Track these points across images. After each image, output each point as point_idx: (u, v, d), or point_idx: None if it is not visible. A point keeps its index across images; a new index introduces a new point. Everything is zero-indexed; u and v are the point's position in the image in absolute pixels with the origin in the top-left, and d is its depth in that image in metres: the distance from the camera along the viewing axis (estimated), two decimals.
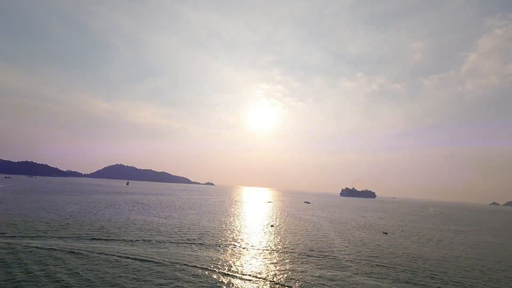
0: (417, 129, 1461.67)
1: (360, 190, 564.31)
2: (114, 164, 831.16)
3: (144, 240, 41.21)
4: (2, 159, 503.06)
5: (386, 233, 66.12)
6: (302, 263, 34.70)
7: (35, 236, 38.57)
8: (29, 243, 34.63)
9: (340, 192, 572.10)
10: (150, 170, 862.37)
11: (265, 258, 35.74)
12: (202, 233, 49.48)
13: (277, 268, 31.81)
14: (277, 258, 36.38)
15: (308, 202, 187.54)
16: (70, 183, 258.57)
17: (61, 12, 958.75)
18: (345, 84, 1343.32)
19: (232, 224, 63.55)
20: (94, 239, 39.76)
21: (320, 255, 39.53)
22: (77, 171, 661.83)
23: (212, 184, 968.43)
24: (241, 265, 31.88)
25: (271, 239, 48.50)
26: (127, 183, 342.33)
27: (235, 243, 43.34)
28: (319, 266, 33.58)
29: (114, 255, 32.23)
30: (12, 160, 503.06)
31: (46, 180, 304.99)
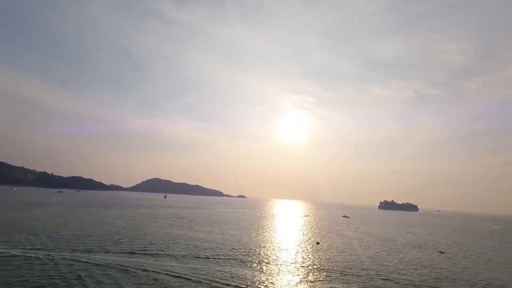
0: (462, 135, 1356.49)
1: (401, 202, 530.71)
2: (152, 178, 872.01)
3: (194, 256, 41.55)
4: (55, 174, 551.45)
5: (443, 253, 60.43)
6: (360, 286, 32.52)
7: (93, 251, 40.68)
8: (87, 257, 36.57)
9: (378, 205, 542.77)
10: (185, 183, 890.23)
11: (318, 279, 34.07)
12: (248, 250, 48.88)
13: None
14: (330, 278, 34.52)
15: (346, 216, 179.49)
16: (113, 197, 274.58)
17: (109, 40, 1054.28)
18: (377, 92, 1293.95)
19: (276, 241, 62.19)
20: (146, 254, 40.94)
21: (377, 276, 36.86)
22: (119, 185, 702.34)
23: (244, 197, 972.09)
24: (296, 286, 30.63)
25: (319, 257, 46.42)
26: (165, 197, 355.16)
27: (285, 262, 42.03)
28: None
29: (168, 273, 32.75)
30: (63, 176, 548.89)
31: (92, 194, 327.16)
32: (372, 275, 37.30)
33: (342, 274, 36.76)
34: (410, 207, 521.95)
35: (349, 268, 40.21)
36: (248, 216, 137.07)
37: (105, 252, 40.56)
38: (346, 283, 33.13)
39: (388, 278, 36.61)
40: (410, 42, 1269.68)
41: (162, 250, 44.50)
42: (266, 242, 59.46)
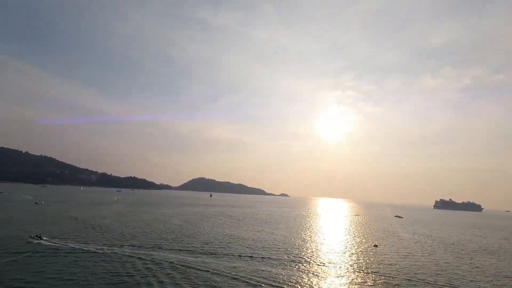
0: None
1: (461, 202, 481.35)
2: (197, 177, 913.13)
3: (249, 256, 41.96)
4: (113, 174, 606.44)
5: None
6: None
7: (156, 249, 43.33)
8: (151, 254, 39.00)
9: (433, 204, 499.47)
10: (228, 182, 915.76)
11: (382, 286, 31.89)
12: (303, 252, 47.97)
13: None
14: (395, 286, 32.07)
15: (399, 217, 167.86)
16: (164, 196, 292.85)
17: (154, 50, 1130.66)
18: (427, 82, 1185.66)
19: (331, 242, 60.21)
20: (205, 254, 42.38)
21: (449, 286, 33.37)
22: (168, 184, 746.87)
23: (286, 195, 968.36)
24: None
25: (381, 262, 43.62)
26: (211, 195, 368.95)
27: (345, 265, 40.33)
28: None
29: (226, 275, 33.41)
30: (120, 176, 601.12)
31: (146, 193, 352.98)
32: (443, 285, 33.88)
33: (410, 282, 33.97)
34: (472, 207, 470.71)
35: (416, 275, 37.05)
36: (295, 215, 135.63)
37: (167, 249, 42.90)
38: None
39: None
40: (466, 26, 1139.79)
41: (218, 249, 45.71)
42: (321, 243, 57.84)
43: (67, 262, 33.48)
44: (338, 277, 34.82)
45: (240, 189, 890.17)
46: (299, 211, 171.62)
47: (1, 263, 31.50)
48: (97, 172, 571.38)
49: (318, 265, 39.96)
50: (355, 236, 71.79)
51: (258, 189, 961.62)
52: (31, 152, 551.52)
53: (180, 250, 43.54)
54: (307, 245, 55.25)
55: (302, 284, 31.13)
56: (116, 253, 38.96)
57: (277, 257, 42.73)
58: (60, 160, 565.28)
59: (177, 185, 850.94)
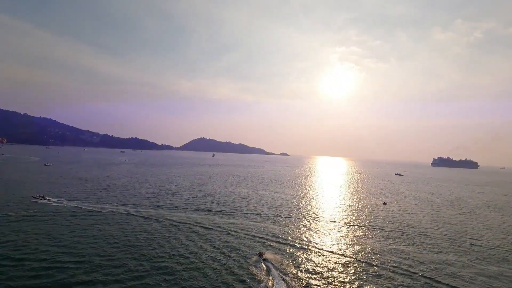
0: None
1: (458, 159, 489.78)
2: (198, 137, 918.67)
3: (261, 214, 43.01)
4: (114, 135, 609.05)
5: None
6: (455, 253, 30.81)
7: (172, 208, 44.29)
8: (168, 214, 39.91)
9: (431, 162, 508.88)
10: (229, 142, 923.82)
11: (404, 242, 33.00)
12: (318, 210, 49.27)
13: (433, 257, 28.86)
14: (417, 246, 33.22)
15: (400, 174, 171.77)
16: (168, 156, 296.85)
17: (151, 6, 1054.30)
18: (438, 36, 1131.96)
19: (343, 200, 61.69)
20: (219, 213, 43.39)
21: (463, 242, 34.60)
22: (169, 144, 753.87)
23: (286, 154, 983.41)
24: (388, 250, 30.08)
25: (394, 220, 44.89)
26: (213, 155, 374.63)
27: (363, 223, 41.52)
28: (473, 259, 29.25)
29: (241, 233, 34.33)
30: (122, 137, 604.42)
31: (149, 153, 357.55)
32: (457, 240, 35.12)
33: (430, 239, 35.15)
34: (468, 164, 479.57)
35: (432, 232, 38.31)
36: (299, 173, 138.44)
37: (181, 209, 43.86)
38: (440, 250, 31.63)
39: (477, 244, 34.13)
40: None
41: (231, 208, 46.81)
42: (331, 202, 59.24)
43: (74, 220, 34.23)
44: (361, 237, 35.90)
45: (240, 148, 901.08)
46: (302, 170, 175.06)
47: (5, 219, 33.39)
48: (98, 133, 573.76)
49: (333, 222, 41.17)
50: (362, 195, 73.54)
51: (259, 148, 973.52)
52: (30, 113, 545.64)
53: (194, 210, 44.52)
54: (318, 203, 56.71)
55: (325, 241, 32.14)
56: (130, 213, 39.82)
57: (289, 215, 43.92)
58: (60, 122, 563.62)
59: (178, 146, 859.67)
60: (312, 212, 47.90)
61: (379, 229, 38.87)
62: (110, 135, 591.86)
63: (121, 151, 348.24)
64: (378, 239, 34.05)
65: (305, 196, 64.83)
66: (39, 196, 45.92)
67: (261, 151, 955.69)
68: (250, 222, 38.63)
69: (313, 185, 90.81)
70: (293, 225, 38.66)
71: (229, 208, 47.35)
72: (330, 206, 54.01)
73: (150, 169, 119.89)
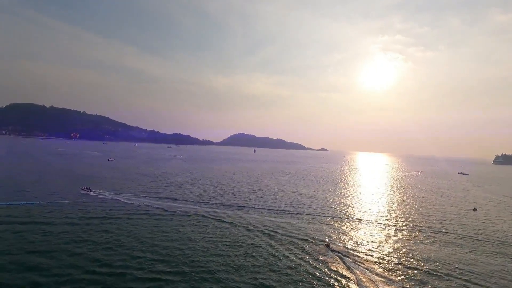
0: None
1: None
2: (237, 133, 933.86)
3: (336, 217, 39.55)
4: (160, 131, 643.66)
5: None
6: None
7: (237, 207, 42.75)
8: (236, 214, 38.26)
9: (493, 159, 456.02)
10: (267, 137, 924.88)
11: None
12: (402, 214, 44.42)
13: None
14: None
15: (464, 174, 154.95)
16: (212, 152, 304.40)
17: (187, 4, 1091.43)
18: (496, 18, 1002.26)
19: (426, 204, 55.53)
20: (290, 214, 40.78)
21: None
22: (210, 140, 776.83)
23: (326, 150, 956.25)
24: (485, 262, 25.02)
25: (498, 230, 38.48)
26: (254, 151, 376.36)
27: (466, 233, 36.11)
28: None
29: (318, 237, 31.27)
30: (167, 133, 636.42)
31: (194, 148, 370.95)
32: None
33: None
34: None
35: None
36: (352, 172, 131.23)
37: (250, 209, 41.91)
38: None
39: None
40: None
41: (302, 210, 43.90)
42: (411, 205, 53.40)
43: (162, 220, 33.84)
44: (468, 250, 30.86)
45: (279, 144, 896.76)
46: (353, 168, 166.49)
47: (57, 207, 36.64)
48: (146, 129, 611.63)
49: (419, 228, 36.23)
50: (439, 198, 65.97)
51: (297, 143, 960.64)
52: (88, 112, 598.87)
53: (260, 210, 42.47)
54: (395, 206, 51.42)
55: (421, 251, 27.87)
56: (197, 212, 38.94)
57: (369, 219, 39.83)
58: (113, 119, 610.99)
59: (218, 141, 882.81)
60: (390, 216, 43.09)
61: (484, 241, 33.04)
62: (156, 130, 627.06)
63: (167, 146, 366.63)
64: (482, 254, 28.64)
65: (376, 198, 59.71)
66: (86, 188, 49.63)
67: (300, 146, 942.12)
68: (321, 224, 35.46)
69: (377, 185, 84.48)
70: (376, 232, 34.61)
71: (294, 208, 44.63)
72: (409, 211, 48.37)
73: (201, 164, 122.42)
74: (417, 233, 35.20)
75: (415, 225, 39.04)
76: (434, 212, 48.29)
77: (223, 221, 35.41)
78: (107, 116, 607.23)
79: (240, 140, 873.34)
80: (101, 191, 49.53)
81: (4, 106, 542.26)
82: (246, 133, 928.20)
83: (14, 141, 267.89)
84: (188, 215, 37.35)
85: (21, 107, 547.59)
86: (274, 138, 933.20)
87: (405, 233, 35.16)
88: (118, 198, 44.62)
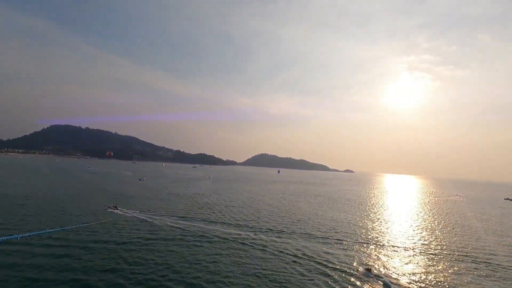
0: None
1: None
2: (260, 153, 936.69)
3: (382, 245, 35.99)
4: (185, 151, 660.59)
5: None
6: None
7: (272, 232, 40.42)
8: (273, 240, 35.89)
9: None
10: (290, 158, 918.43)
11: None
12: (444, 244, 39.90)
13: None
14: None
15: (511, 199, 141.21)
16: (236, 172, 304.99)
17: (212, 28, 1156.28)
18: None
19: (475, 233, 50.18)
20: (332, 242, 37.84)
21: None
22: (233, 160, 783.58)
23: (351, 171, 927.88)
24: None
25: None
26: (278, 171, 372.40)
27: None
28: None
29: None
30: (192, 153, 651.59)
31: (218, 168, 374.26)
32: None
33: None
34: None
35: None
36: (384, 194, 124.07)
37: (283, 233, 39.52)
38: None
39: None
40: None
41: (345, 237, 40.77)
42: (462, 234, 48.27)
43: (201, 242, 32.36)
44: None
45: (302, 164, 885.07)
46: (386, 191, 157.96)
47: (83, 227, 37.02)
48: (172, 149, 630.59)
49: (478, 261, 31.77)
50: (494, 229, 59.44)
51: (321, 164, 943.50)
52: (119, 132, 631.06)
53: (296, 236, 39.82)
54: (443, 235, 46.54)
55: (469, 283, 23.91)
56: (234, 237, 37.02)
57: (413, 246, 35.83)
58: (141, 139, 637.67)
59: (241, 161, 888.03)
60: (435, 244, 38.63)
61: None
62: (182, 151, 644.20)
63: (193, 166, 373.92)
64: None
65: (418, 225, 54.78)
66: (113, 206, 50.04)
67: (324, 167, 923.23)
68: (365, 250, 32.13)
69: (416, 211, 78.45)
70: (422, 261, 30.75)
71: (336, 233, 41.48)
72: (456, 239, 43.43)
73: (229, 185, 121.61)
74: (465, 264, 31.09)
75: (463, 255, 34.91)
76: (484, 242, 43.07)
77: (263, 250, 33.24)
78: (136, 137, 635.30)
79: (263, 160, 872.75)
80: (137, 211, 49.51)
81: (46, 127, 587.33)
82: (269, 154, 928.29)
83: (50, 160, 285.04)
84: (225, 240, 35.59)
85: (60, 128, 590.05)
86: (297, 159, 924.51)
87: (452, 263, 31.29)
88: (151, 218, 44.12)
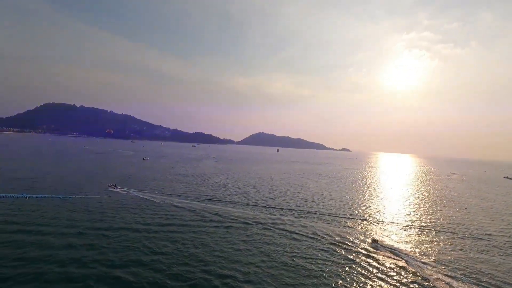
0: None
1: None
2: (257, 132, 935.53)
3: (400, 224, 36.38)
4: (182, 130, 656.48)
5: None
6: None
7: (286, 211, 40.51)
8: (287, 219, 35.98)
9: None
10: (287, 137, 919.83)
11: None
12: (448, 221, 40.46)
13: None
14: None
15: (510, 178, 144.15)
16: (236, 151, 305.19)
17: (210, 5, 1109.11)
18: None
19: (478, 211, 50.89)
20: (360, 222, 38.07)
21: None
22: (231, 139, 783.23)
23: (348, 150, 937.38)
24: None
25: None
26: (278, 150, 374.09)
27: None
28: None
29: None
30: (189, 131, 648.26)
31: (218, 148, 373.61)
32: None
33: None
34: None
35: None
36: (383, 173, 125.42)
37: (305, 215, 39.66)
38: None
39: None
40: None
41: (366, 216, 41.09)
42: (465, 211, 49.01)
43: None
44: None
45: (299, 143, 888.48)
46: (384, 169, 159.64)
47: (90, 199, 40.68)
48: (169, 128, 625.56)
49: (484, 237, 32.36)
50: (497, 207, 60.48)
51: (318, 143, 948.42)
52: (115, 111, 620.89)
53: (318, 215, 40.06)
54: (448, 212, 47.21)
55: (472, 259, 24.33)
56: (255, 218, 36.97)
57: (427, 225, 36.30)
58: (137, 118, 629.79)
59: (238, 140, 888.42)
60: (438, 220, 39.16)
61: None
62: (179, 129, 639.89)
63: (192, 145, 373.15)
64: None
65: (423, 203, 55.37)
66: (112, 185, 52.06)
67: (320, 146, 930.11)
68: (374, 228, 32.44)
69: (420, 189, 79.24)
70: (431, 238, 31.16)
71: (347, 215, 41.74)
72: (462, 216, 44.10)
73: (234, 165, 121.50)
74: (466, 241, 31.63)
75: (466, 231, 35.37)
76: (488, 220, 43.96)
77: (284, 230, 33.40)
78: (132, 115, 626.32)
79: (261, 139, 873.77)
80: (153, 192, 49.06)
81: (38, 106, 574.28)
82: (266, 132, 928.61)
83: (46, 139, 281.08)
84: (247, 222, 35.52)
85: (54, 107, 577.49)
86: (294, 138, 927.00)
87: (458, 240, 31.85)
88: (170, 200, 43.79)
